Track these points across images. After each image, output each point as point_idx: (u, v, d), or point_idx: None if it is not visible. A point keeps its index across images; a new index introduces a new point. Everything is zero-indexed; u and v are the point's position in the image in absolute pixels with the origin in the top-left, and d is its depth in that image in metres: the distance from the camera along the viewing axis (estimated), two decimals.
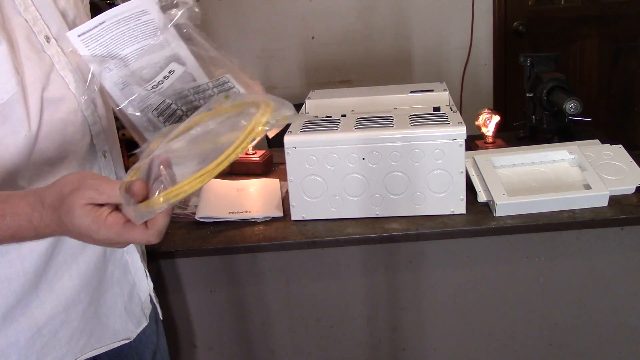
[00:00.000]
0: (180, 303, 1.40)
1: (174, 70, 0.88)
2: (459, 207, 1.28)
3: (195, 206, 1.40)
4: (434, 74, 2.94)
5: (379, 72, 2.93)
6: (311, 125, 1.32)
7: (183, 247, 1.29)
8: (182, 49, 0.87)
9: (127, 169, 1.04)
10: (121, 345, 1.00)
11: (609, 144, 1.45)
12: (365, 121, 1.32)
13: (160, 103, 0.92)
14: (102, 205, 0.64)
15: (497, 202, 1.27)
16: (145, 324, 1.04)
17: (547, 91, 1.60)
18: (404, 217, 1.30)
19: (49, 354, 0.88)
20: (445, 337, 1.43)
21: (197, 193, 1.47)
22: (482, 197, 1.33)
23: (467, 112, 2.21)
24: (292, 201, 1.31)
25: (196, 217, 1.36)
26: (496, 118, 1.64)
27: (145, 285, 1.03)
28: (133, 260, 0.99)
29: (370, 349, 1.44)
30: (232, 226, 1.34)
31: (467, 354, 1.44)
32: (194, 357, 1.45)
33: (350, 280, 1.38)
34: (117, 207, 0.65)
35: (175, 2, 0.85)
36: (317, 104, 1.50)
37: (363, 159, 1.26)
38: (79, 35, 0.82)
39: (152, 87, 0.88)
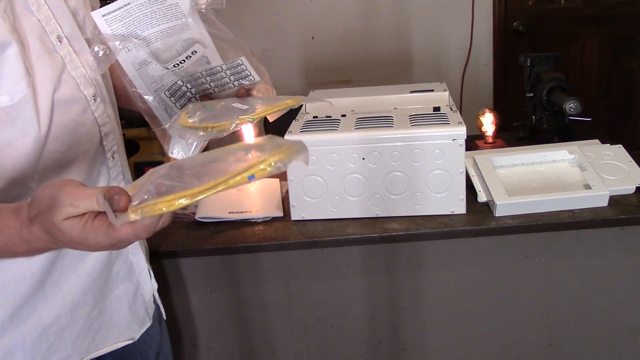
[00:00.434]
0: (180, 303, 1.40)
1: (196, 52, 0.89)
2: (459, 207, 1.28)
3: (195, 206, 1.40)
4: (434, 74, 2.94)
5: (379, 72, 2.94)
6: (311, 125, 1.32)
7: (183, 247, 1.29)
8: (202, 32, 0.88)
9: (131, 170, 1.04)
10: (125, 345, 0.99)
11: (609, 144, 1.45)
12: (365, 121, 1.32)
13: (173, 84, 0.94)
14: (83, 214, 0.62)
15: (497, 202, 1.27)
16: (148, 324, 1.04)
17: (547, 91, 1.60)
18: (404, 217, 1.30)
19: (55, 354, 0.88)
20: (445, 337, 1.43)
21: None
22: (482, 197, 1.33)
23: (467, 112, 2.21)
24: (292, 201, 1.31)
25: (196, 217, 1.36)
26: (496, 118, 1.65)
27: (149, 286, 1.03)
28: (138, 260, 0.99)
29: (370, 349, 1.44)
30: (232, 226, 1.34)
31: (467, 353, 1.44)
32: (194, 357, 1.45)
33: (350, 280, 1.38)
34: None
35: None
36: (317, 103, 1.50)
37: (363, 159, 1.26)
38: (103, 15, 0.83)
39: (174, 66, 0.90)
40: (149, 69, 0.89)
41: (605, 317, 1.38)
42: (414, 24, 2.91)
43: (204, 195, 0.60)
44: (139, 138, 1.85)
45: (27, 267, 0.82)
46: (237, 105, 0.89)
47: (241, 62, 0.92)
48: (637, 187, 1.32)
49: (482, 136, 1.68)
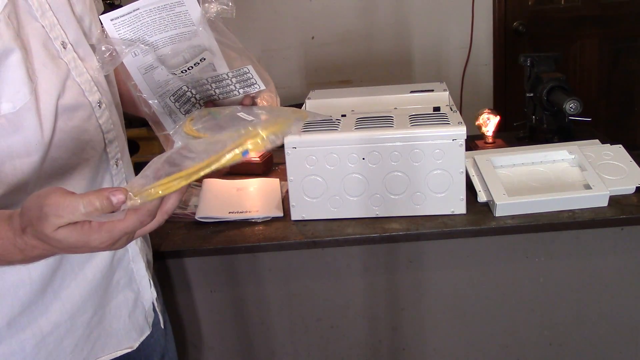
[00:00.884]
0: (180, 303, 1.40)
1: (204, 59, 0.89)
2: (459, 207, 1.28)
3: (195, 206, 1.40)
4: (434, 74, 2.94)
5: (379, 72, 2.93)
6: (311, 125, 1.32)
7: (183, 247, 1.29)
8: (210, 40, 0.88)
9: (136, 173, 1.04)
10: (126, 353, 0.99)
11: (609, 144, 1.45)
12: (365, 121, 1.32)
13: (178, 89, 0.94)
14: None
15: (497, 202, 1.27)
16: (148, 332, 1.03)
17: (547, 91, 1.60)
18: (404, 217, 1.30)
19: None
20: (445, 337, 1.43)
21: (197, 193, 1.47)
22: (482, 197, 1.33)
23: (467, 112, 2.21)
24: (292, 201, 1.31)
25: (196, 217, 1.36)
26: (496, 118, 1.65)
27: (149, 294, 1.02)
28: (138, 268, 0.99)
29: (370, 349, 1.44)
30: (232, 226, 1.34)
31: (467, 354, 1.44)
32: (194, 357, 1.45)
33: (350, 280, 1.38)
34: None
35: None
36: (317, 104, 1.50)
37: (363, 159, 1.26)
38: (111, 20, 0.83)
39: (181, 72, 0.90)
40: (155, 73, 0.90)
41: (605, 317, 1.38)
42: (414, 24, 2.91)
43: (199, 174, 0.59)
44: (139, 138, 1.85)
45: (26, 274, 0.82)
46: (242, 115, 0.89)
47: (247, 71, 0.92)
48: (637, 187, 1.32)
49: (482, 136, 1.68)
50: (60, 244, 0.60)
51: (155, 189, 0.59)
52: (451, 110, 1.38)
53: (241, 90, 0.95)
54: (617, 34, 2.90)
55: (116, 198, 0.58)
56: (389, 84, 1.59)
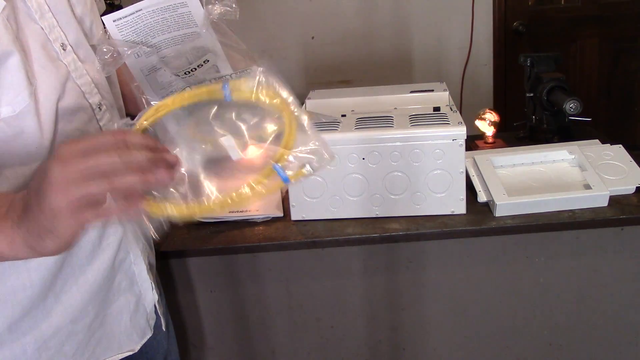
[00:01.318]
0: (180, 303, 1.40)
1: (208, 61, 0.89)
2: (459, 207, 1.28)
3: None
4: (434, 74, 2.94)
5: (379, 72, 2.93)
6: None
7: (183, 247, 1.29)
8: (214, 42, 0.88)
9: None
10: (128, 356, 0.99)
11: (609, 144, 1.45)
12: (365, 121, 1.32)
13: (181, 91, 0.93)
14: None
15: (497, 202, 1.27)
16: (149, 335, 1.02)
17: (547, 91, 1.60)
18: (404, 217, 1.30)
19: None
20: (445, 337, 1.43)
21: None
22: (482, 197, 1.33)
23: (467, 112, 2.20)
24: (292, 201, 1.31)
25: (196, 217, 1.35)
26: (496, 118, 1.65)
27: (150, 296, 1.02)
28: (140, 271, 0.98)
29: (370, 349, 1.44)
30: (232, 226, 1.34)
31: (467, 354, 1.44)
32: (194, 357, 1.45)
33: (350, 280, 1.38)
34: None
35: None
36: (317, 104, 1.50)
37: (363, 159, 1.26)
38: (114, 21, 0.82)
39: (185, 74, 0.89)
40: (158, 75, 0.89)
41: (605, 317, 1.38)
42: (414, 24, 2.91)
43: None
44: None
45: (27, 278, 0.81)
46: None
47: (250, 72, 0.92)
48: (637, 187, 1.32)
49: (482, 136, 1.68)
50: (56, 162, 0.58)
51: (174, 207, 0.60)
52: (451, 110, 1.38)
53: None
54: (617, 34, 2.90)
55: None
56: (389, 84, 1.59)
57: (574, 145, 1.44)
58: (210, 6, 0.85)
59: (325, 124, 1.32)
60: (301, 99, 1.56)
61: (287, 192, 1.33)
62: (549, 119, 1.64)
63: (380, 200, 1.29)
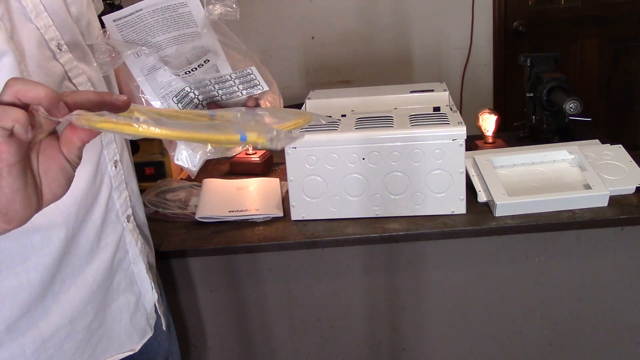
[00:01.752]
0: (180, 303, 1.40)
1: (208, 60, 0.89)
2: (459, 207, 1.29)
3: (195, 206, 1.40)
4: (434, 74, 2.94)
5: (379, 72, 2.94)
6: (311, 125, 1.32)
7: (183, 247, 1.29)
8: (214, 42, 0.88)
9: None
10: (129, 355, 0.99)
11: (609, 144, 1.45)
12: (365, 121, 1.32)
13: (181, 90, 0.94)
14: None
15: (497, 202, 1.27)
16: (149, 335, 1.02)
17: (547, 91, 1.60)
18: (404, 217, 1.30)
19: None
20: (445, 337, 1.43)
21: (197, 193, 1.47)
22: (482, 197, 1.33)
23: (467, 112, 2.21)
24: (292, 201, 1.31)
25: (196, 217, 1.36)
26: (496, 118, 1.65)
27: (150, 296, 1.01)
28: (139, 270, 0.98)
29: (370, 349, 1.44)
30: (232, 226, 1.34)
31: (467, 354, 1.44)
32: (194, 357, 1.45)
33: (350, 280, 1.38)
34: None
35: None
36: (317, 104, 1.50)
37: (363, 159, 1.26)
38: (114, 20, 0.83)
39: (185, 73, 0.90)
40: (158, 74, 0.89)
41: (605, 317, 1.38)
42: (414, 24, 2.91)
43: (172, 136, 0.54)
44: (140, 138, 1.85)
45: (25, 278, 0.81)
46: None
47: (251, 72, 0.92)
48: (637, 187, 1.32)
49: (482, 136, 1.68)
50: None
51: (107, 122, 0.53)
52: (451, 110, 1.38)
53: (244, 92, 0.95)
54: (617, 34, 2.90)
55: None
56: (389, 84, 1.59)
57: (574, 145, 1.44)
58: (210, 6, 0.85)
59: (325, 124, 1.32)
60: (301, 99, 1.56)
61: (287, 192, 1.33)
62: (549, 119, 1.65)
63: (380, 200, 1.29)
